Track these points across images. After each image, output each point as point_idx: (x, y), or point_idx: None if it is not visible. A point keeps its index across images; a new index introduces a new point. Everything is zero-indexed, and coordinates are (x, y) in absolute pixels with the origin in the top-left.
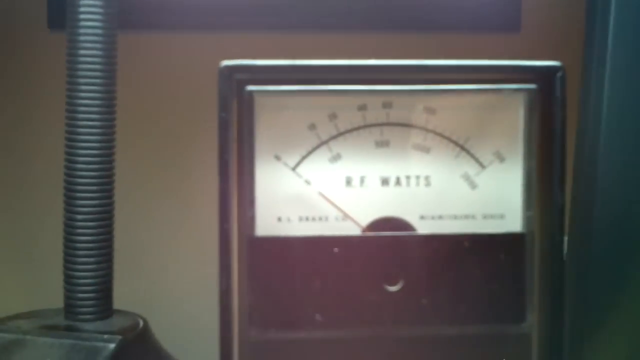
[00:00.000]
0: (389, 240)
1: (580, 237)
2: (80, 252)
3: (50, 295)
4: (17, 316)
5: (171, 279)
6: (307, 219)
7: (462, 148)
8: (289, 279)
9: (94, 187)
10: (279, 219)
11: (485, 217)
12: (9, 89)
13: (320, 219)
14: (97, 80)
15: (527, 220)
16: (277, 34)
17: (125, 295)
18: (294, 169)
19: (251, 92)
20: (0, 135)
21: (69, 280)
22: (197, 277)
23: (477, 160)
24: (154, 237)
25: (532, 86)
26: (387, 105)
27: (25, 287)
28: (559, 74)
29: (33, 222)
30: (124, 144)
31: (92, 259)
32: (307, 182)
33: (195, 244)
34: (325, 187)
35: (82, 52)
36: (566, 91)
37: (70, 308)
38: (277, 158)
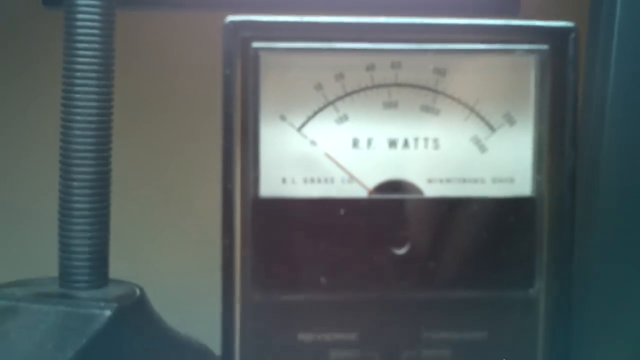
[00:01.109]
0: (395, 203)
1: (584, 206)
2: (76, 220)
3: (47, 263)
4: (12, 284)
5: (170, 256)
6: (312, 180)
7: (472, 110)
8: (293, 241)
9: (91, 154)
10: (284, 180)
11: (494, 180)
12: (2, 66)
13: (325, 180)
14: (95, 45)
15: (537, 184)
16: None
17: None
18: (299, 129)
19: (257, 49)
20: None
21: (64, 248)
22: (196, 256)
23: (487, 123)
24: (153, 211)
25: (544, 47)
26: (395, 66)
27: (22, 255)
28: (572, 35)
29: (29, 188)
30: (123, 120)
31: (87, 227)
32: (313, 143)
33: (195, 221)
34: (331, 149)
35: (80, 23)
36: (579, 53)
37: (65, 276)
38: (283, 118)
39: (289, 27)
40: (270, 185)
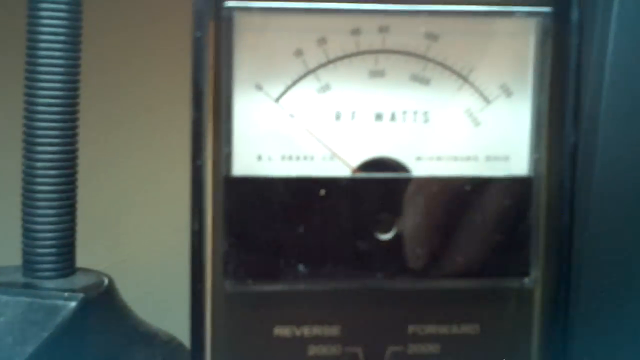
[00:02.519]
0: (381, 183)
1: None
2: (40, 204)
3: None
4: None
5: (140, 242)
6: (290, 157)
7: (466, 80)
8: (270, 224)
9: (56, 132)
10: (259, 157)
11: (488, 158)
12: None
13: (305, 158)
14: (61, 16)
15: (535, 163)
16: None
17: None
18: (277, 100)
19: (230, 8)
20: None
21: (28, 235)
22: (167, 241)
23: (481, 94)
24: (121, 193)
25: (546, 9)
26: (383, 30)
27: None
28: None
29: None
30: (89, 93)
31: (52, 211)
32: (291, 116)
33: (167, 203)
34: (311, 122)
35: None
36: (584, 17)
37: (28, 264)
38: (258, 87)
39: None
40: (244, 163)
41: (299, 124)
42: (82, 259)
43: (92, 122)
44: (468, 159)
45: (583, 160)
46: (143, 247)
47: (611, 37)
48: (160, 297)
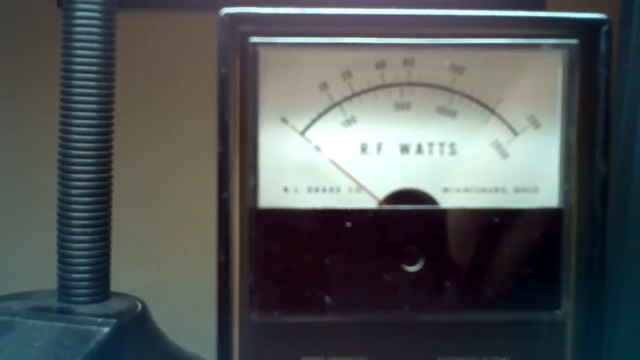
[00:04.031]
0: (408, 215)
1: (613, 218)
2: (75, 230)
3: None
4: (10, 297)
5: (180, 262)
6: (316, 189)
7: (493, 112)
8: (296, 256)
9: (91, 160)
10: (285, 189)
11: (517, 190)
12: (15, 63)
13: (331, 189)
14: (95, 45)
15: (565, 194)
16: None
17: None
18: (302, 133)
19: (255, 44)
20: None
21: (63, 260)
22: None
23: (509, 126)
24: (162, 214)
25: (573, 41)
26: (408, 63)
27: (24, 266)
28: (604, 28)
29: (29, 197)
30: (124, 124)
31: (87, 237)
32: (317, 149)
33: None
34: (337, 155)
35: (79, 29)
36: (612, 48)
37: (64, 289)
38: (284, 121)
39: (291, 21)
40: (271, 195)
41: (325, 156)
42: (124, 278)
43: (134, 146)
44: (496, 190)
45: (619, 186)
46: (183, 267)
47: None
48: (200, 317)
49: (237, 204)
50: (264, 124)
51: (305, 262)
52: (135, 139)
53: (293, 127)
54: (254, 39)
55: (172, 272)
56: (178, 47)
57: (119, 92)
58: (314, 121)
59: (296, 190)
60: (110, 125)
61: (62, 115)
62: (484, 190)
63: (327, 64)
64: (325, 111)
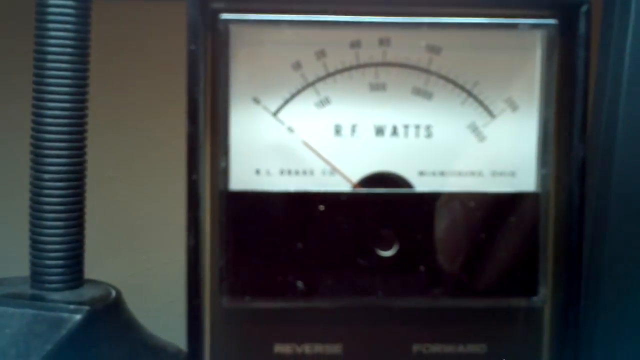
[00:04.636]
0: (382, 199)
1: (594, 203)
2: (48, 215)
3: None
4: None
5: (163, 251)
6: (289, 172)
7: (470, 94)
8: (268, 240)
9: (64, 144)
10: (257, 172)
11: (493, 174)
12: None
13: (304, 172)
14: (69, 27)
15: (542, 178)
16: None
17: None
18: (275, 114)
19: (226, 21)
20: None
21: (35, 246)
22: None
23: (486, 109)
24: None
25: (551, 21)
26: (384, 42)
27: None
28: (583, 8)
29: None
30: (97, 109)
31: (60, 223)
32: (290, 130)
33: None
34: (310, 136)
35: (53, 9)
36: (591, 28)
37: (36, 276)
38: (256, 101)
39: None
40: (242, 177)
41: (298, 137)
42: (107, 267)
43: (116, 130)
44: (473, 174)
45: (601, 170)
46: (167, 255)
47: (628, 48)
48: (183, 306)
49: (207, 186)
50: (235, 104)
51: (277, 246)
52: (116, 125)
53: (265, 108)
54: (225, 16)
55: (155, 262)
56: (157, 34)
57: (97, 77)
58: (286, 102)
59: (268, 173)
60: (84, 109)
61: (35, 99)
62: (460, 174)
63: (300, 43)
64: (299, 91)
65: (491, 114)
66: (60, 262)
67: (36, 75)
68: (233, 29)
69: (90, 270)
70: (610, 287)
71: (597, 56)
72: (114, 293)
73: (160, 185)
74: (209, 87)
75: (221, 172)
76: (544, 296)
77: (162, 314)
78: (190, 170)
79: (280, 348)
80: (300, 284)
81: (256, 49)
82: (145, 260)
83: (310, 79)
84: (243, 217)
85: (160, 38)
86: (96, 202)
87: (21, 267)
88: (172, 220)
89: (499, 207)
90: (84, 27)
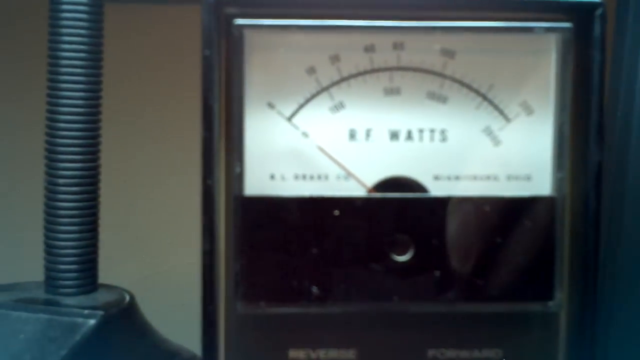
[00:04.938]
0: (398, 203)
1: (609, 206)
2: (62, 220)
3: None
4: None
5: (173, 255)
6: (304, 177)
7: (484, 98)
8: (283, 245)
9: (78, 149)
10: (272, 177)
11: (509, 178)
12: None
13: (319, 177)
14: (82, 37)
15: (558, 182)
16: None
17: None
18: (289, 119)
19: (241, 26)
20: None
21: (50, 251)
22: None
23: (501, 112)
24: (155, 207)
25: (567, 25)
26: (398, 47)
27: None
28: (598, 11)
29: (15, 187)
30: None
31: (74, 227)
32: (305, 135)
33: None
34: (325, 141)
35: (66, 15)
36: (606, 32)
37: (50, 281)
38: (271, 106)
39: (277, 2)
40: (257, 183)
41: (313, 142)
42: (120, 269)
43: (127, 138)
44: (488, 178)
45: (616, 174)
46: (176, 259)
47: None
48: (193, 310)
49: (222, 192)
50: (249, 109)
51: (292, 251)
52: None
53: (280, 113)
54: (239, 21)
55: (166, 265)
56: (170, 39)
57: (110, 83)
58: (301, 106)
59: (283, 178)
60: (97, 114)
61: (49, 104)
62: (475, 178)
63: (314, 48)
64: (313, 96)
65: (506, 118)
66: (75, 266)
67: (50, 80)
68: (247, 34)
69: (104, 273)
70: (626, 291)
71: (611, 59)
72: (127, 297)
73: (173, 188)
74: (223, 93)
75: (236, 177)
76: (560, 301)
77: (175, 316)
78: (205, 175)
79: (295, 353)
80: (315, 289)
81: (270, 54)
82: (158, 263)
83: (325, 83)
84: (258, 223)
85: (177, 40)
86: (110, 204)
87: (35, 272)
88: (185, 222)
89: (514, 211)
90: (97, 32)
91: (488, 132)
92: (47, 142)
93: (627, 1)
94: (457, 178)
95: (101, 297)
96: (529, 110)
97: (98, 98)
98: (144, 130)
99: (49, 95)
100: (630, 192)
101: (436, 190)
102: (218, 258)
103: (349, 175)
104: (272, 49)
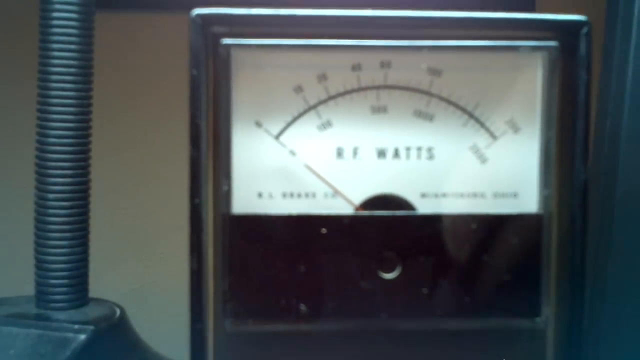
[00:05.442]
0: (385, 221)
1: (599, 221)
2: (53, 235)
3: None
4: None
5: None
6: (291, 195)
7: (471, 116)
8: (271, 263)
9: (68, 164)
10: (260, 195)
11: (496, 195)
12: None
13: (306, 195)
14: (72, 52)
15: (544, 199)
16: None
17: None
18: (277, 137)
19: (228, 46)
20: None
21: (40, 266)
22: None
23: (487, 130)
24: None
25: (552, 43)
26: (385, 65)
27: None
28: (583, 30)
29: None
30: (107, 126)
31: (65, 242)
32: (292, 153)
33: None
34: (312, 159)
35: (57, 30)
36: (592, 50)
37: (41, 295)
38: (258, 124)
39: (264, 22)
40: (245, 201)
41: (300, 160)
42: (111, 279)
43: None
44: (475, 196)
45: (604, 189)
46: (174, 269)
47: (630, 66)
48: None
49: (210, 210)
50: (237, 128)
51: (280, 269)
52: (120, 140)
53: (267, 131)
54: (226, 41)
55: (160, 276)
56: (159, 48)
57: (97, 94)
58: (288, 125)
59: (271, 196)
60: (88, 128)
61: (39, 118)
62: (462, 195)
63: (301, 66)
64: (300, 115)
65: (493, 136)
66: (65, 281)
67: (40, 94)
68: (234, 53)
69: (95, 284)
70: (614, 307)
71: (600, 77)
72: (118, 312)
73: (164, 199)
74: (211, 111)
75: (223, 195)
76: (547, 317)
77: (167, 326)
78: (192, 193)
79: None
80: (303, 306)
81: (258, 73)
82: (149, 274)
83: (312, 102)
84: (246, 241)
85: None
86: (101, 216)
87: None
88: (176, 233)
89: (501, 228)
90: (87, 47)
91: (475, 149)
92: (37, 156)
93: (615, 16)
94: (444, 195)
95: (92, 311)
96: (515, 128)
97: (88, 113)
98: (135, 141)
99: (39, 110)
100: (619, 205)
101: (423, 207)
102: (207, 276)
103: (336, 193)
104: (259, 68)
